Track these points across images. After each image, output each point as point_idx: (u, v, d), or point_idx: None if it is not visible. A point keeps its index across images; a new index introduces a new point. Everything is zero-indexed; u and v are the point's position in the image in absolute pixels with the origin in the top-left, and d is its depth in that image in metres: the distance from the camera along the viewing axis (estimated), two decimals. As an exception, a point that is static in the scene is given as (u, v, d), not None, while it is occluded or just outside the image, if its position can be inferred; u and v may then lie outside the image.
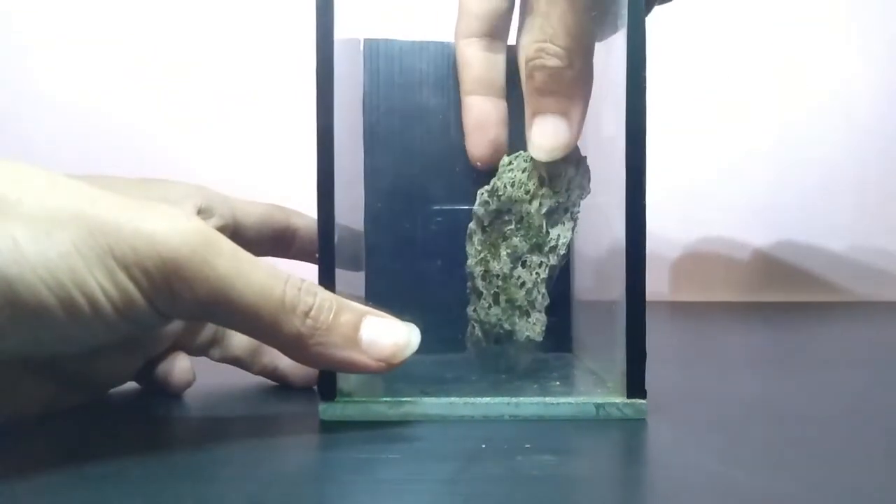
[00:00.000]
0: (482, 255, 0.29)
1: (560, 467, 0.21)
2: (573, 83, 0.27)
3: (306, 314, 0.22)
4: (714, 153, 0.72)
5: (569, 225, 0.29)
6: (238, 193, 0.32)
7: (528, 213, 0.29)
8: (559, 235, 0.29)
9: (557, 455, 0.22)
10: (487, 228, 0.29)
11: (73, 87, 0.73)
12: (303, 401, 0.28)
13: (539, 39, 0.26)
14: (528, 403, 0.26)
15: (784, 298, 0.71)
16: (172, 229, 0.20)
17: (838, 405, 0.29)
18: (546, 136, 0.27)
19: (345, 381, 0.26)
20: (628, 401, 0.26)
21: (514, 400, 0.26)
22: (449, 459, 0.21)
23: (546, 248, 0.29)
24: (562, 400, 0.26)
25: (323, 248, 0.25)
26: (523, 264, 0.29)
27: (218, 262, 0.20)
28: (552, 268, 0.29)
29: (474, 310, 0.30)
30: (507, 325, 0.29)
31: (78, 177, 0.22)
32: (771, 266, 0.72)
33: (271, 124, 0.71)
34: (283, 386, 0.31)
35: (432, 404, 0.26)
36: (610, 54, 0.28)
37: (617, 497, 0.19)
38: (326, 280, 0.25)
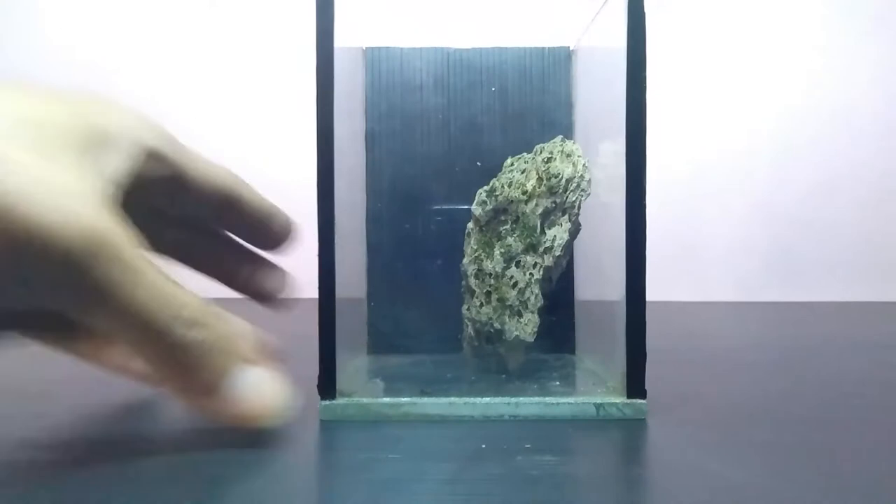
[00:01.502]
0: (476, 253, 0.29)
1: (560, 467, 0.21)
2: None
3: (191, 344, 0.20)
4: (714, 153, 0.72)
5: (566, 227, 0.29)
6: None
7: (524, 214, 0.29)
8: (555, 237, 0.29)
9: (557, 455, 0.22)
10: (484, 228, 0.29)
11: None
12: (303, 401, 0.28)
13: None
14: (528, 403, 0.26)
15: (784, 298, 0.71)
16: (69, 225, 0.18)
17: (838, 405, 0.29)
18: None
19: (345, 382, 0.26)
20: (628, 401, 0.26)
21: (514, 400, 0.26)
22: (449, 459, 0.21)
23: (541, 249, 0.29)
24: (562, 400, 0.26)
25: (323, 249, 0.25)
26: (517, 264, 0.29)
27: (111, 268, 0.19)
28: (547, 269, 0.29)
29: (468, 308, 0.30)
30: (497, 325, 0.29)
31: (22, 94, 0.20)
32: (771, 266, 0.72)
33: (273, 125, 0.72)
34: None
35: (432, 404, 0.26)
36: (610, 54, 0.28)
37: (617, 497, 0.19)
38: (326, 280, 0.25)
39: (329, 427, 0.25)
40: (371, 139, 0.34)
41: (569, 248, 0.30)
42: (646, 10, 0.25)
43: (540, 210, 0.29)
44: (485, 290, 0.29)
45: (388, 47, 0.34)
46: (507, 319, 0.29)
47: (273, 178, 0.71)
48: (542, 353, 0.34)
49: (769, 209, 0.72)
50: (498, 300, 0.29)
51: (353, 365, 0.30)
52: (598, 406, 0.26)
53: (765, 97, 0.71)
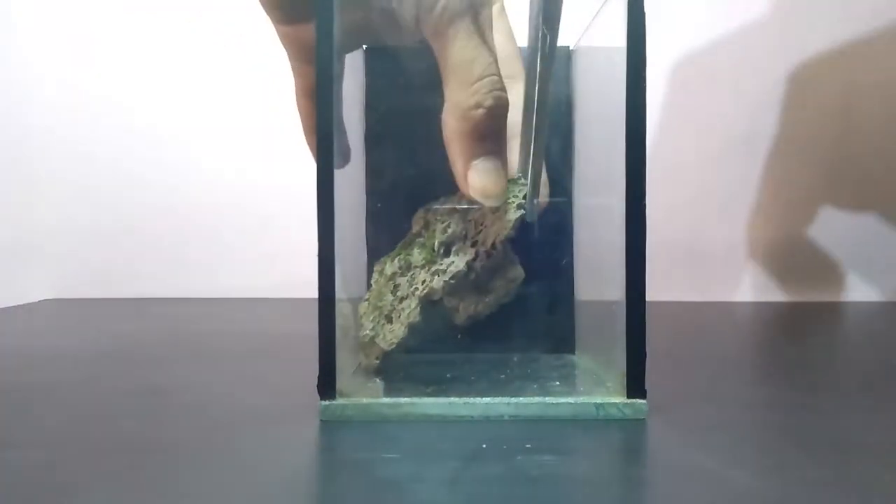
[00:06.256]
0: (391, 255, 0.30)
1: (560, 467, 0.21)
2: (504, 123, 0.27)
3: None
4: (714, 152, 0.72)
5: (465, 257, 0.29)
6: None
7: (433, 233, 0.29)
8: (452, 263, 0.29)
9: (557, 455, 0.22)
10: (414, 234, 0.30)
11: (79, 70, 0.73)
12: (303, 401, 0.28)
13: (482, 76, 0.26)
14: (528, 403, 0.26)
15: (784, 298, 0.71)
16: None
17: (838, 405, 0.29)
18: (493, 181, 0.27)
19: (345, 382, 0.26)
20: (628, 401, 0.26)
21: (514, 400, 0.26)
22: (449, 459, 0.21)
23: (434, 269, 0.29)
24: (562, 400, 0.26)
25: (323, 249, 0.25)
26: (408, 275, 0.29)
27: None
28: (433, 290, 0.29)
29: (361, 303, 0.31)
30: (361, 321, 0.30)
31: None
32: (771, 266, 0.72)
33: (272, 125, 0.72)
34: (282, 386, 0.31)
35: (432, 404, 0.26)
36: (610, 54, 0.28)
37: (617, 497, 0.19)
38: (326, 280, 0.25)
39: (329, 427, 0.25)
40: (371, 139, 0.34)
41: (475, 285, 0.30)
42: (646, 10, 0.25)
43: (448, 231, 0.29)
44: (374, 289, 0.30)
45: (388, 47, 0.34)
46: (369, 320, 0.29)
47: (273, 179, 0.72)
48: (542, 353, 0.34)
49: (770, 209, 0.72)
50: (377, 300, 0.29)
51: (352, 365, 0.30)
52: (598, 406, 0.26)
53: (765, 97, 0.71)
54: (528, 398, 0.26)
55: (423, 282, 0.29)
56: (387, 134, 0.34)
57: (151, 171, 0.72)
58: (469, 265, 0.29)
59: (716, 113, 0.71)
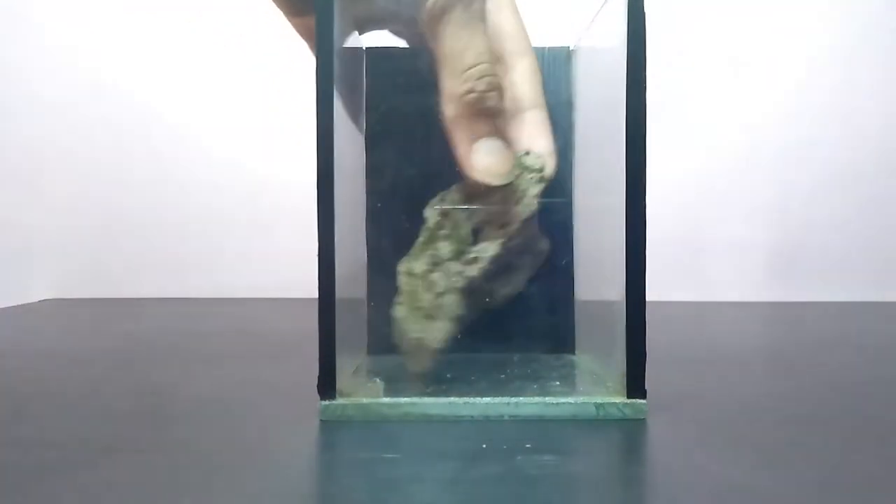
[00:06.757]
0: (413, 254, 0.30)
1: (560, 467, 0.21)
2: (498, 104, 0.28)
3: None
4: (715, 152, 0.72)
5: (499, 241, 0.29)
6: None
7: (458, 222, 0.29)
8: (485, 248, 0.29)
9: (558, 455, 0.22)
10: (430, 230, 0.30)
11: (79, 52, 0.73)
12: (303, 401, 0.28)
13: (474, 64, 0.27)
14: (528, 403, 0.26)
15: (784, 298, 0.71)
16: None
17: (838, 405, 0.29)
18: (495, 159, 0.27)
19: (345, 382, 0.26)
20: (628, 401, 0.26)
21: (514, 400, 0.26)
22: (449, 459, 0.21)
23: (468, 258, 0.29)
24: (562, 400, 0.26)
25: (323, 249, 0.25)
26: (442, 269, 0.29)
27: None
28: (470, 279, 0.29)
29: (393, 307, 0.30)
30: (404, 325, 0.29)
31: None
32: (771, 266, 0.72)
33: (272, 124, 0.71)
34: (282, 386, 0.31)
35: (432, 404, 0.26)
36: (610, 53, 0.28)
37: (617, 497, 0.19)
38: (326, 280, 0.25)
39: (329, 427, 0.25)
40: (371, 139, 0.34)
41: (529, 263, 0.29)
42: (646, 10, 0.25)
43: (475, 219, 0.29)
44: (406, 291, 0.29)
45: (388, 47, 0.34)
46: (414, 321, 0.29)
47: (273, 178, 0.71)
48: (542, 353, 0.34)
49: (770, 209, 0.72)
50: (414, 302, 0.29)
51: (352, 365, 0.30)
52: (598, 406, 0.26)
53: (766, 97, 0.71)
54: (528, 398, 0.26)
55: (459, 273, 0.29)
56: (387, 134, 0.34)
57: (151, 171, 0.73)
58: (503, 246, 0.29)
59: (716, 112, 0.71)
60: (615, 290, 0.27)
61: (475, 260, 0.29)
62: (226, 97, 0.72)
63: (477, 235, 0.29)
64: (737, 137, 0.72)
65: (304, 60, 0.31)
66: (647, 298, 0.26)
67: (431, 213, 0.30)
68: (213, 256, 0.73)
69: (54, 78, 0.72)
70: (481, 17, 0.27)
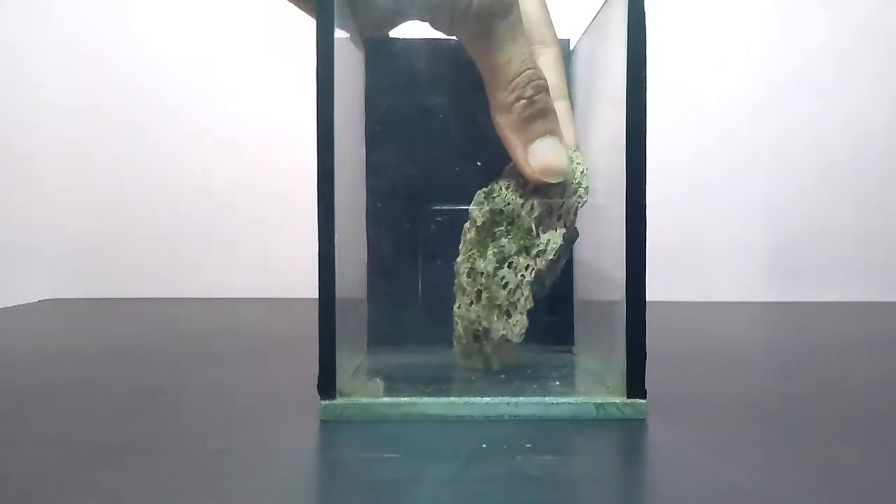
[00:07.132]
0: (470, 253, 0.30)
1: (560, 467, 0.21)
2: (549, 103, 0.28)
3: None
4: (715, 152, 0.72)
5: (560, 231, 0.29)
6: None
7: (520, 216, 0.29)
8: (549, 240, 0.29)
9: (558, 455, 0.22)
10: (480, 228, 0.30)
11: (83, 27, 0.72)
12: (303, 401, 0.28)
13: (520, 72, 0.27)
14: (528, 403, 0.26)
15: (785, 298, 0.71)
16: None
17: (838, 405, 0.29)
18: (553, 157, 0.28)
19: (345, 381, 0.26)
20: (628, 401, 0.26)
21: (514, 400, 0.26)
22: (449, 459, 0.21)
23: (534, 252, 0.29)
24: (562, 400, 0.26)
25: (323, 248, 0.25)
26: (509, 265, 0.29)
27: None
28: (539, 272, 0.29)
29: (458, 306, 0.30)
30: (485, 324, 0.29)
31: None
32: (771, 266, 0.72)
33: (272, 124, 0.71)
34: (282, 385, 0.31)
35: (432, 404, 0.26)
36: (610, 54, 0.28)
37: (617, 497, 0.19)
38: (326, 280, 0.25)
39: (329, 427, 0.25)
40: (371, 138, 0.34)
41: (565, 252, 0.30)
42: (646, 9, 0.25)
43: (535, 213, 0.29)
44: (475, 289, 0.29)
45: (388, 45, 0.34)
46: (496, 319, 0.29)
47: (273, 178, 0.71)
48: (541, 353, 0.34)
49: (770, 209, 0.72)
50: (488, 299, 0.29)
51: (352, 364, 0.30)
52: (598, 406, 0.26)
53: (766, 97, 0.71)
54: (528, 398, 0.26)
55: (527, 267, 0.29)
56: (387, 133, 0.34)
57: (151, 170, 0.72)
58: (565, 238, 0.29)
59: (716, 112, 0.71)
60: (615, 290, 0.27)
61: (542, 252, 0.29)
62: (226, 97, 0.72)
63: (537, 229, 0.29)
64: (737, 137, 0.71)
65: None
66: (647, 298, 0.26)
67: (478, 213, 0.30)
68: (213, 256, 0.73)
69: (54, 78, 0.72)
70: (521, 21, 0.27)
